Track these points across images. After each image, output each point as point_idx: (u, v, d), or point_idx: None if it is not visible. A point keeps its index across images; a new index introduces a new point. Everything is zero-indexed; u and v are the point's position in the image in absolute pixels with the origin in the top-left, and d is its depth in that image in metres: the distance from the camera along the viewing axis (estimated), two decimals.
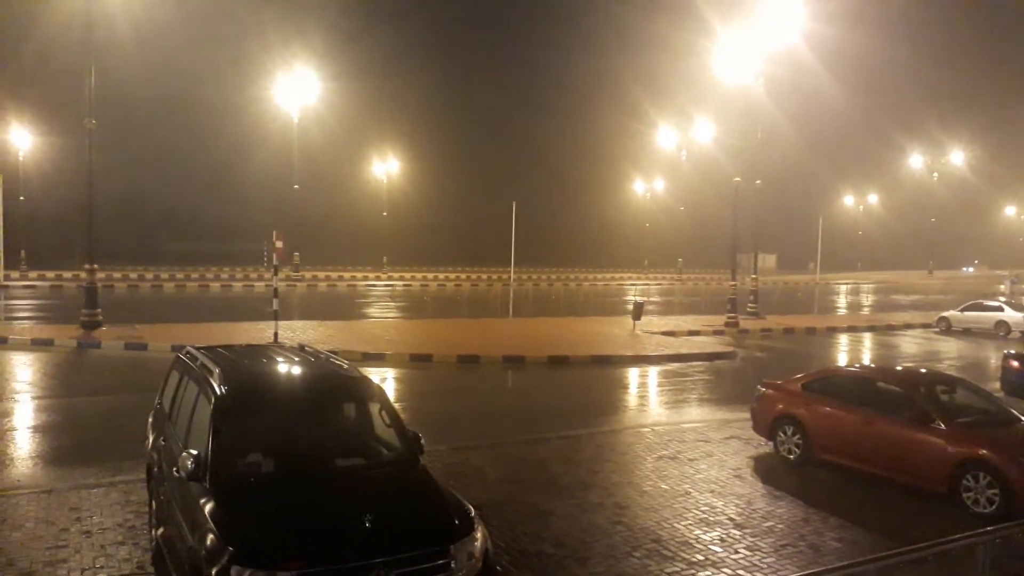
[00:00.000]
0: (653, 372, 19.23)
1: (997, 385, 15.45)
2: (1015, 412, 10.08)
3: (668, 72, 67.63)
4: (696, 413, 14.45)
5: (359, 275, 57.31)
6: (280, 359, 7.54)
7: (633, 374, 18.98)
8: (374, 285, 50.84)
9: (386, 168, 68.85)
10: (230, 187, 65.48)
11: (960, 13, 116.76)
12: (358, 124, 71.03)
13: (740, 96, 30.78)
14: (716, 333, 27.21)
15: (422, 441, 6.59)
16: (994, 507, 8.62)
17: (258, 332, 21.25)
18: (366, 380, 7.09)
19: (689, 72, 45.53)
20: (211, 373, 6.64)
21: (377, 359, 19.01)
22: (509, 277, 31.07)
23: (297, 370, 7.18)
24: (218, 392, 6.27)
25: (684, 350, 21.80)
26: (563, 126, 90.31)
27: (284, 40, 55.99)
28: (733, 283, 30.17)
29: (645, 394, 17.19)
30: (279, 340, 18.57)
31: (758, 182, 32.35)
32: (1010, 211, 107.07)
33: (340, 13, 78.44)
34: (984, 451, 8.87)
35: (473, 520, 5.71)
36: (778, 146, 69.74)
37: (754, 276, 32.32)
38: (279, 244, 19.21)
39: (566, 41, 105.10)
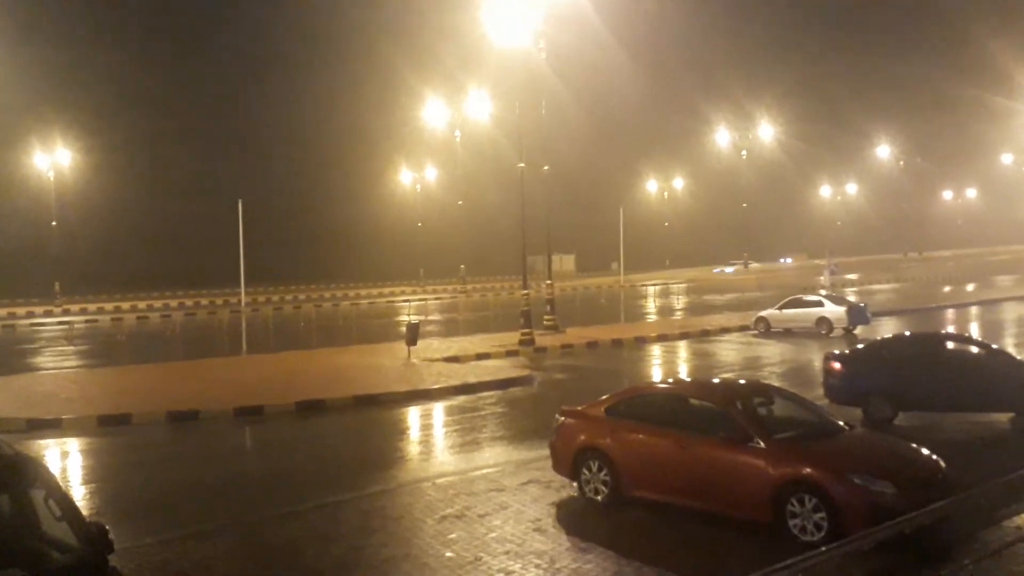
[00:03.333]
0: (435, 410, 19.48)
1: (821, 391, 17.32)
2: (839, 422, 11.34)
3: (432, 31, 69.33)
4: (488, 456, 14.81)
5: (19, 311, 53.57)
6: None
7: (409, 415, 19.11)
8: (42, 324, 47.03)
9: (53, 161, 63.65)
10: None
11: None
12: (11, 99, 65.26)
13: (519, 63, 32.13)
14: (509, 354, 28.16)
15: (110, 536, 6.22)
16: (823, 533, 9.53)
17: None
18: (23, 460, 6.52)
19: (458, 31, 46.92)
20: None
21: (50, 427, 17.70)
22: (240, 301, 30.08)
23: None
24: None
25: (472, 379, 22.32)
26: (304, 102, 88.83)
27: None
28: (526, 292, 31.37)
29: (425, 439, 17.36)
30: None
31: (546, 168, 34.02)
32: (825, 191, 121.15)
33: None
34: (808, 469, 9.86)
35: None
36: (568, 126, 73.77)
37: (549, 282, 33.85)
38: None
39: None
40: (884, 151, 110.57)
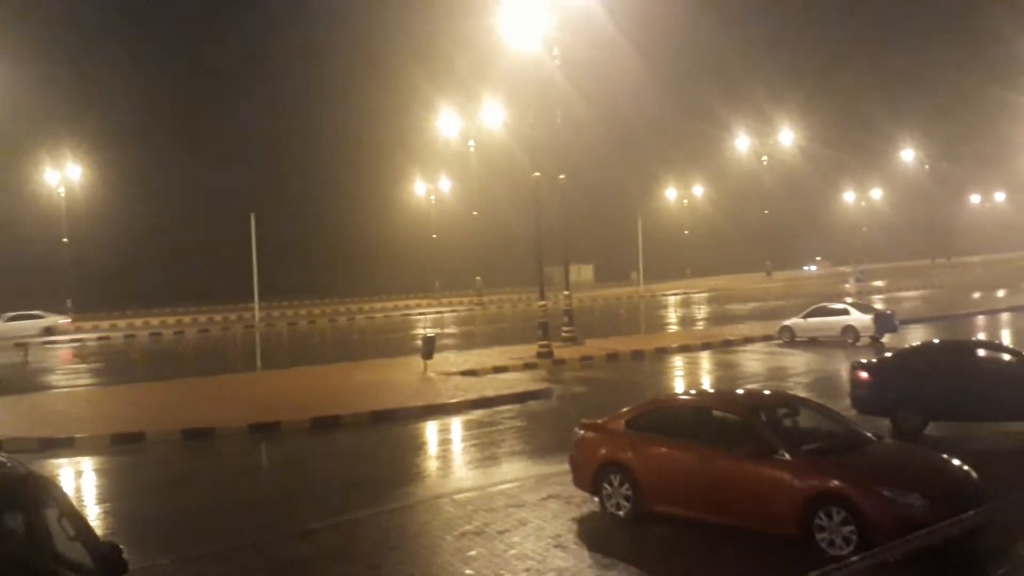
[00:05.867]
0: (452, 424, 19.50)
1: (848, 402, 17.20)
2: (867, 433, 11.29)
3: (445, 38, 69.38)
4: (507, 471, 14.79)
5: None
6: None
7: (427, 430, 19.12)
8: (55, 342, 47.28)
9: (63, 177, 64.33)
10: None
11: None
12: (18, 115, 65.90)
13: (533, 72, 32.14)
14: (527, 367, 28.11)
15: (124, 556, 6.22)
16: (852, 547, 9.45)
17: None
18: (35, 478, 6.57)
19: (471, 38, 47.00)
20: None
21: (64, 446, 17.79)
22: (253, 316, 30.19)
23: None
24: None
25: (489, 392, 22.30)
26: (316, 116, 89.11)
27: None
28: (543, 303, 31.35)
29: (443, 454, 17.38)
30: None
31: (562, 177, 33.97)
32: (848, 197, 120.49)
33: None
34: (835, 482, 9.81)
35: None
36: (586, 133, 73.79)
37: (567, 293, 33.80)
38: None
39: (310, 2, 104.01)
40: (909, 155, 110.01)
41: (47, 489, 6.56)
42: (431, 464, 16.55)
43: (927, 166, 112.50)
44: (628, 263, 77.82)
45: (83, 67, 76.36)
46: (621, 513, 11.33)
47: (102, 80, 77.42)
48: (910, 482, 9.74)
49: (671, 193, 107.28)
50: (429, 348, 26.67)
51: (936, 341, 21.93)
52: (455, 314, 60.55)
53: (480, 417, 19.95)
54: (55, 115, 69.98)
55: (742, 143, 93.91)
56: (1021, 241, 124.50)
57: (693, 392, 18.02)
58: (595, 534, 10.90)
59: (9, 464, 6.77)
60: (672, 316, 53.43)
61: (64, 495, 6.59)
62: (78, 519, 6.37)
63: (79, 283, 61.95)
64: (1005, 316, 43.63)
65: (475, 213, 73.07)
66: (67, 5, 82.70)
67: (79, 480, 15.58)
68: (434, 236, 79.58)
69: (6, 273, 63.31)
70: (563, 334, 32.45)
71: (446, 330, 44.82)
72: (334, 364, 30.81)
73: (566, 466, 12.49)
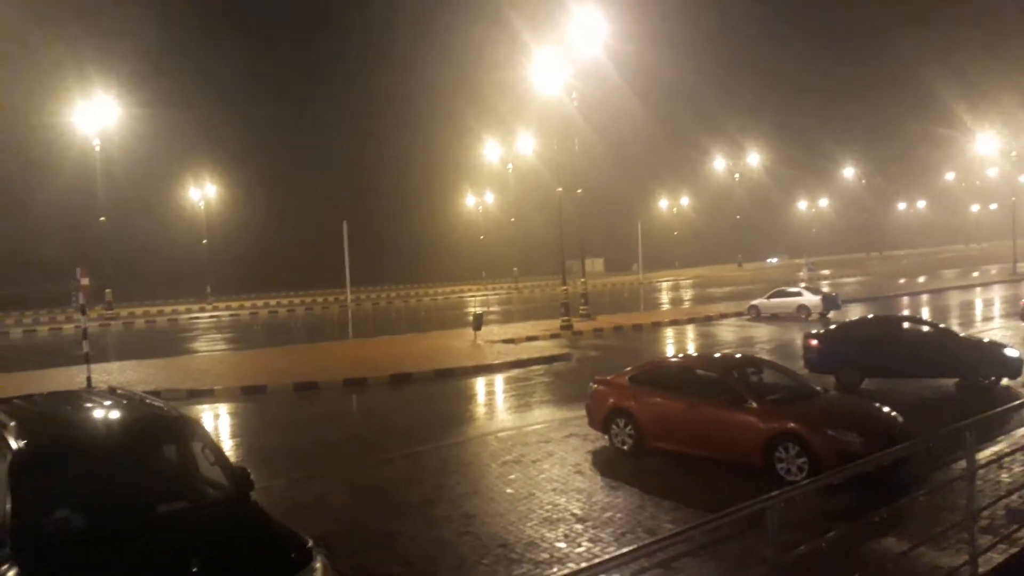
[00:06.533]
0: (496, 380, 19.49)
1: (801, 363, 16.98)
2: (816, 387, 11.16)
3: (490, 86, 69.20)
4: (538, 415, 14.78)
5: (180, 308, 54.30)
6: (87, 405, 6.94)
7: (477, 384, 19.14)
8: (198, 318, 48.00)
9: (203, 194, 65.34)
10: (23, 222, 59.09)
11: (747, 30, 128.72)
12: (171, 150, 67.19)
13: (556, 109, 32.07)
14: (553, 337, 28.05)
15: (251, 476, 6.33)
16: (804, 475, 9.41)
17: (68, 378, 19.37)
18: (185, 419, 6.70)
19: (509, 86, 46.83)
20: (5, 427, 5.99)
21: (205, 395, 17.97)
22: (346, 298, 30.40)
23: (107, 415, 6.63)
24: (14, 447, 5.68)
25: (524, 356, 22.27)
26: (392, 144, 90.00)
27: (79, 64, 51.58)
28: (565, 288, 31.26)
29: (489, 402, 17.40)
30: (92, 385, 17.03)
31: (579, 191, 33.88)
32: (802, 205, 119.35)
33: (147, 37, 73.48)
34: (792, 424, 9.72)
35: (310, 551, 5.50)
36: (596, 157, 73.34)
37: (583, 280, 33.75)
38: (84, 281, 17.58)
39: (388, 57, 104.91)
40: (849, 171, 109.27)
41: (194, 427, 6.70)
42: (480, 410, 16.62)
43: (863, 180, 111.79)
44: (630, 257, 77.23)
45: (214, 108, 77.20)
46: (625, 448, 11.31)
47: (230, 118, 78.28)
48: (850, 424, 9.63)
49: (663, 203, 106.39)
50: (478, 322, 26.74)
51: (870, 316, 21.45)
52: (497, 296, 60.56)
53: (517, 375, 19.98)
54: (196, 146, 71.01)
55: (718, 163, 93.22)
56: (937, 238, 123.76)
57: (681, 356, 17.89)
58: (605, 463, 10.88)
59: (166, 408, 6.92)
60: (664, 298, 53.02)
61: (206, 432, 6.72)
62: (216, 449, 6.48)
63: (216, 274, 62.82)
64: (924, 297, 42.80)
65: (512, 219, 73.07)
66: (200, 63, 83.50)
67: (216, 421, 15.77)
68: (481, 237, 79.84)
69: (162, 267, 64.54)
70: (580, 311, 32.35)
71: (490, 308, 44.91)
72: (406, 334, 31.00)
73: (583, 412, 12.47)
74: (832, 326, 18.72)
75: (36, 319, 46.87)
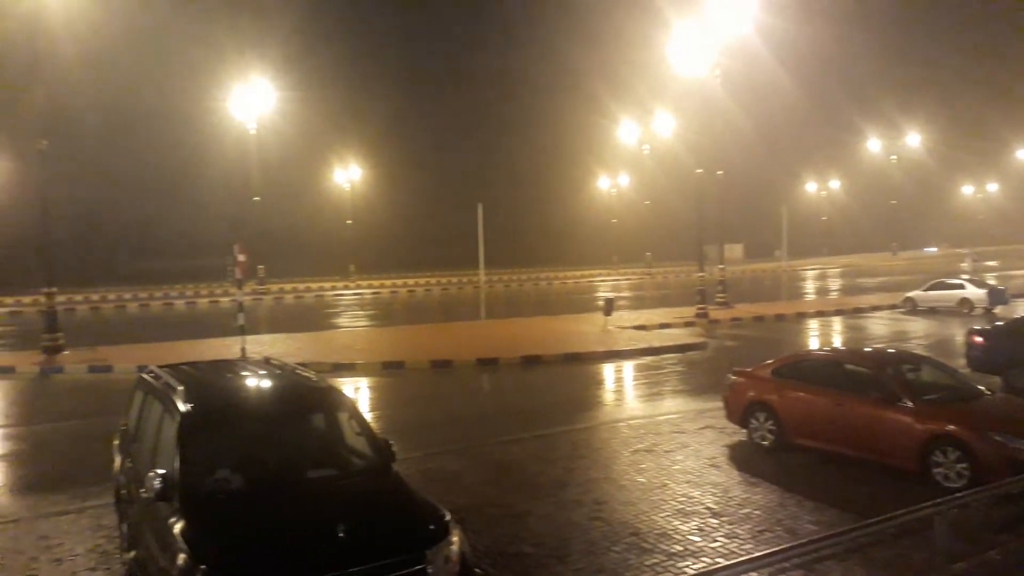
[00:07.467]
0: (626, 366, 19.30)
1: (963, 362, 15.73)
2: (980, 387, 10.31)
3: (627, 66, 68.00)
4: (670, 405, 14.52)
5: (326, 285, 56.97)
6: (245, 373, 7.47)
7: (607, 369, 19.03)
8: (342, 294, 50.47)
9: (348, 176, 68.59)
10: (187, 202, 64.29)
11: (908, 4, 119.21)
12: (318, 133, 70.55)
13: (697, 89, 31.07)
14: (687, 325, 27.40)
15: (393, 448, 6.58)
16: (964, 481, 8.75)
17: (225, 348, 20.96)
18: (333, 390, 7.06)
19: (647, 66, 45.81)
20: (175, 391, 6.55)
21: (348, 369, 18.88)
22: (479, 280, 31.02)
23: (263, 383, 7.12)
24: (183, 410, 6.21)
25: (656, 343, 21.91)
26: (526, 126, 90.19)
27: (238, 50, 54.99)
28: (701, 274, 30.40)
29: (619, 389, 17.29)
30: (246, 355, 18.34)
31: (720, 173, 32.83)
32: (967, 190, 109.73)
33: (296, 22, 77.62)
34: (951, 427, 9.04)
35: (448, 524, 5.68)
36: (738, 137, 70.30)
37: (721, 266, 32.67)
38: (241, 257, 18.94)
39: (524, 39, 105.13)
40: (1023, 154, 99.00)
41: (340, 398, 7.06)
42: (610, 396, 16.54)
43: None
44: (772, 243, 73.90)
45: (359, 93, 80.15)
46: (765, 443, 10.90)
47: (373, 102, 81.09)
48: (1019, 430, 8.83)
49: (811, 186, 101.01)
50: (609, 307, 26.52)
51: None
52: (628, 282, 59.81)
53: (648, 362, 19.69)
54: (342, 128, 74.21)
55: (873, 144, 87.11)
56: None
57: (829, 349, 17.01)
58: (743, 458, 10.53)
59: (315, 379, 7.32)
60: (810, 287, 50.53)
61: (352, 402, 7.06)
62: (361, 420, 6.79)
63: (359, 253, 65.78)
64: None
65: (647, 202, 71.95)
66: (347, 48, 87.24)
67: (359, 393, 16.41)
68: (614, 220, 78.98)
69: (309, 245, 68.35)
70: (717, 299, 31.40)
71: (621, 294, 44.45)
72: (537, 317, 31.24)
73: (719, 403, 12.14)
74: (999, 322, 17.21)
75: (197, 292, 50.88)
